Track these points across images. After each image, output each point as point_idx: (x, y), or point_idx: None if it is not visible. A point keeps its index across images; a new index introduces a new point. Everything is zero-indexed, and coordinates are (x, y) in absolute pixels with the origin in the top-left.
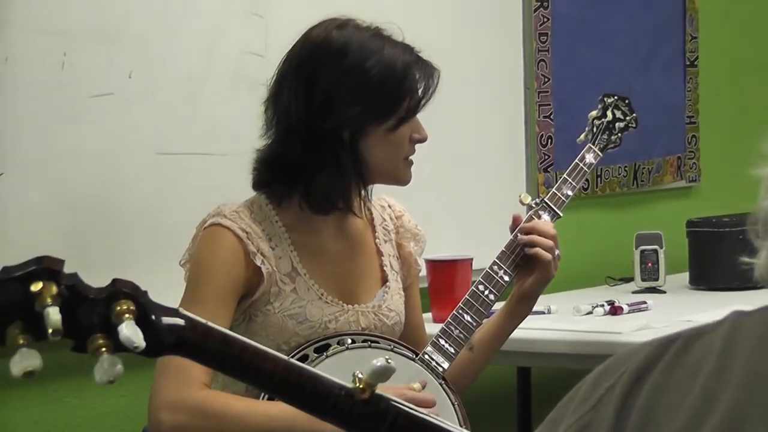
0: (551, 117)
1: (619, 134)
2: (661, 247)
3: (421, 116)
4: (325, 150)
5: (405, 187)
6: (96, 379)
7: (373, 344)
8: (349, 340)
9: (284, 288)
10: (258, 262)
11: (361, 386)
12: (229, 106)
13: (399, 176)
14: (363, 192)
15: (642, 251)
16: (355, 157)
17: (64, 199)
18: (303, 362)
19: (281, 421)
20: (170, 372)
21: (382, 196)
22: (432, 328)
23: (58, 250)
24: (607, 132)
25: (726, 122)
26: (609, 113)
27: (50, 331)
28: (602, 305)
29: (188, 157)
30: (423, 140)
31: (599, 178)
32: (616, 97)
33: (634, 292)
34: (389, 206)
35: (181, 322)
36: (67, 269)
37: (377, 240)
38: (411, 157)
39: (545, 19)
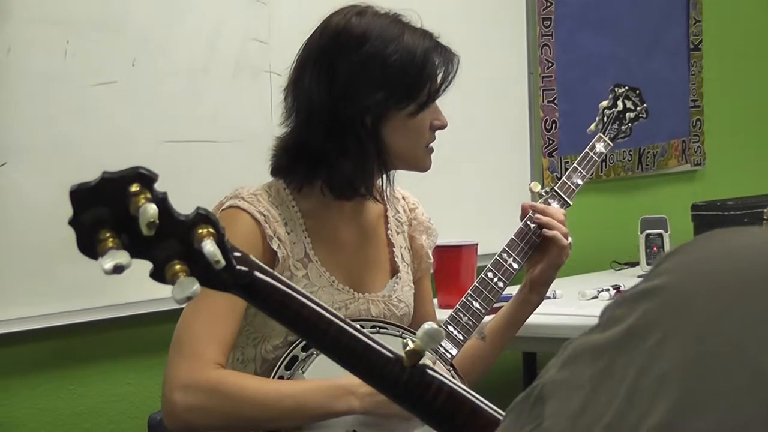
0: (555, 102)
1: (630, 124)
2: (666, 231)
3: (438, 105)
4: (348, 136)
5: (409, 173)
6: (175, 297)
7: (381, 330)
8: (358, 326)
9: (296, 273)
10: (274, 246)
11: (413, 348)
12: (232, 93)
13: (419, 163)
14: (385, 178)
15: (647, 235)
16: (377, 142)
17: (68, 188)
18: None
19: (294, 399)
20: (184, 353)
21: (396, 188)
22: (438, 314)
23: (62, 240)
24: (617, 122)
25: (730, 106)
26: (620, 103)
27: (148, 221)
28: (608, 290)
29: (192, 144)
30: (443, 126)
31: (604, 163)
32: (627, 88)
33: (639, 277)
34: (403, 198)
35: (255, 270)
36: (72, 259)
37: (389, 231)
38: (431, 145)
39: (548, 4)
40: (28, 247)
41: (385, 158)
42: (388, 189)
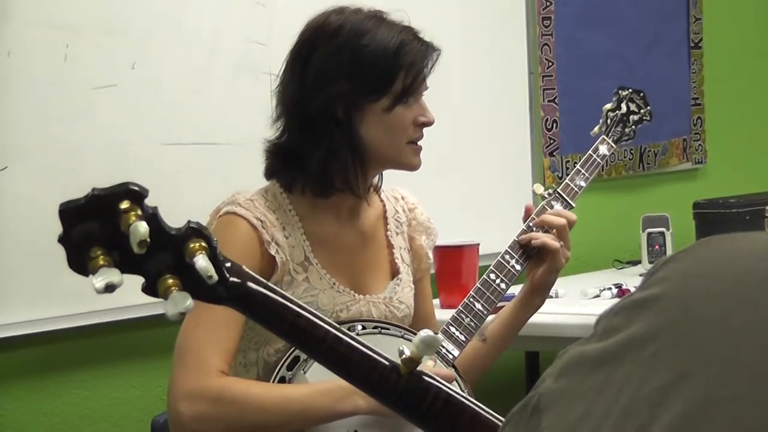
0: (555, 101)
1: (633, 127)
2: (668, 230)
3: (425, 101)
4: (320, 129)
5: (410, 174)
6: (168, 314)
7: (383, 330)
8: (360, 327)
9: (297, 277)
10: (272, 251)
11: (409, 356)
12: (233, 96)
13: (403, 160)
14: (364, 174)
15: (649, 234)
16: (350, 135)
17: (68, 192)
18: None
19: (300, 403)
20: (187, 362)
21: (395, 188)
22: (440, 314)
23: None
24: (621, 124)
25: (731, 103)
26: (623, 106)
27: (139, 240)
28: (610, 288)
29: (193, 147)
30: (429, 123)
31: (605, 162)
32: (631, 90)
33: (641, 275)
34: (402, 198)
35: (248, 281)
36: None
37: (388, 232)
38: (419, 142)
39: (548, 3)
40: (29, 250)
41: (361, 152)
42: (379, 186)
